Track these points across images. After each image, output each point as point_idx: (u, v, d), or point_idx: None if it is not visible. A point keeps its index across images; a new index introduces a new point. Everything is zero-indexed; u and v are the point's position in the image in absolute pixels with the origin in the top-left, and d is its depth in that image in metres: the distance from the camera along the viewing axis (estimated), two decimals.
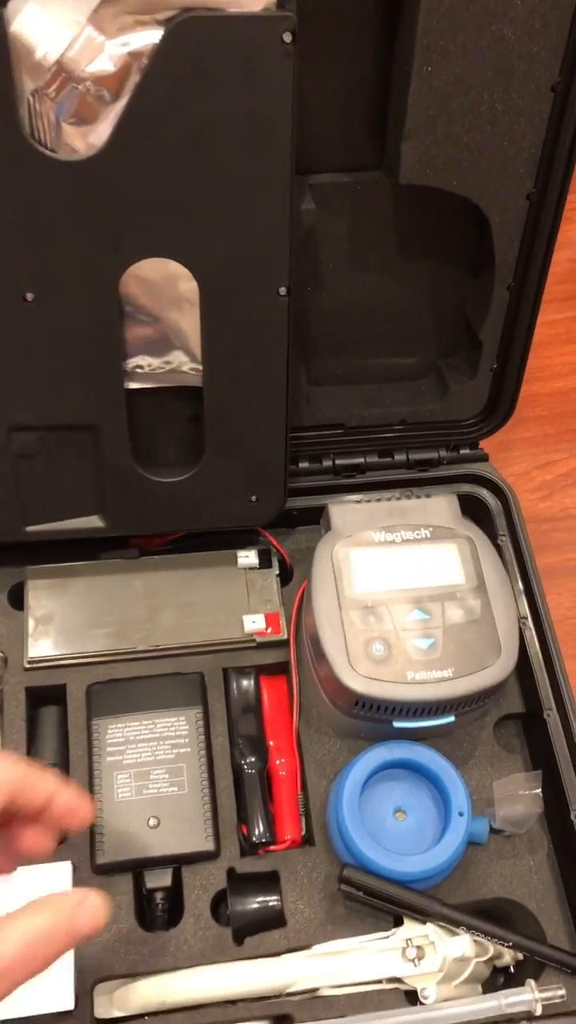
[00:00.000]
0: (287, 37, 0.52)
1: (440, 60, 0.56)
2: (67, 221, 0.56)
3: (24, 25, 0.51)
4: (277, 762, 0.68)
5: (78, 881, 0.62)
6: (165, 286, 0.60)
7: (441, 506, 0.69)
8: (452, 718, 0.64)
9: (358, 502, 0.70)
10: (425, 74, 0.56)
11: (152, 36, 0.52)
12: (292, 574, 0.75)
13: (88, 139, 0.55)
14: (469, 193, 0.62)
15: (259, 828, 0.64)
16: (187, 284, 0.60)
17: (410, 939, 0.60)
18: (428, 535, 0.68)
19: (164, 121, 0.54)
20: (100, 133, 0.54)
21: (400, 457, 0.76)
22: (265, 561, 0.74)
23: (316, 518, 0.75)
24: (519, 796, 0.63)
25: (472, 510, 0.77)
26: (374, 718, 0.64)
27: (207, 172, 0.56)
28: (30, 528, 0.68)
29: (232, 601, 0.72)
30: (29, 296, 0.59)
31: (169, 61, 0.52)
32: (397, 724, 0.64)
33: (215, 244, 0.58)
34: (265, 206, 0.58)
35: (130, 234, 0.57)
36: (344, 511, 0.69)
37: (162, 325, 0.62)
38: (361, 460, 0.75)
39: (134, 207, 0.56)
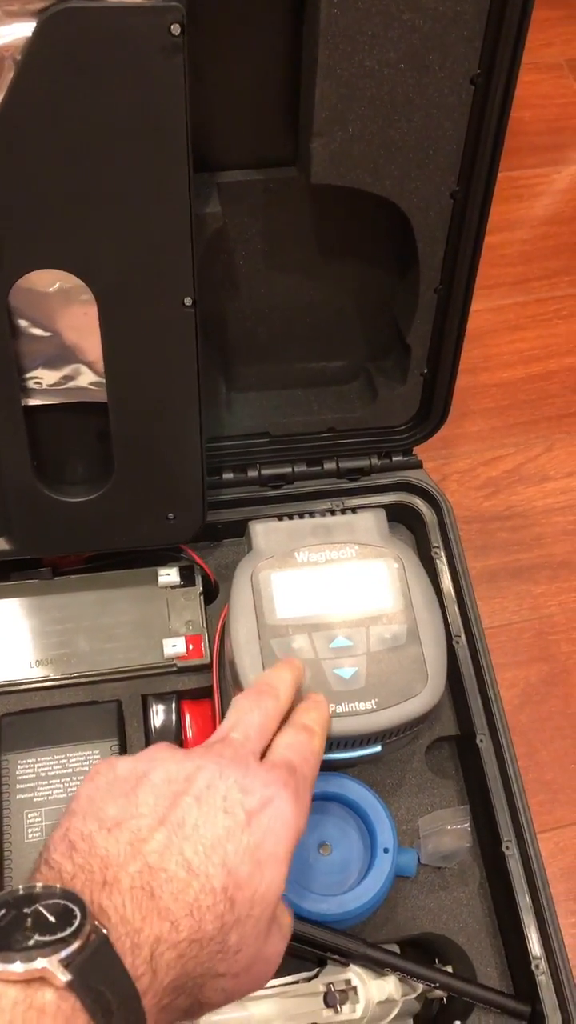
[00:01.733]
0: (175, 29, 0.47)
1: (347, 52, 0.51)
2: None
3: None
4: None
5: None
6: (59, 298, 0.56)
7: (368, 522, 0.66)
8: (378, 748, 0.61)
9: (280, 519, 0.66)
10: (332, 67, 0.52)
11: (24, 29, 0.47)
12: (217, 591, 0.72)
13: None
14: (387, 193, 0.58)
15: None
16: (83, 296, 0.56)
17: (332, 983, 0.57)
18: (354, 554, 0.64)
19: (43, 122, 0.49)
20: None
21: (330, 466, 0.72)
22: (188, 578, 0.71)
23: (242, 531, 0.71)
24: (447, 831, 0.60)
25: (405, 519, 0.74)
26: None
27: (95, 176, 0.51)
28: None
29: (152, 623, 0.69)
30: None
31: (44, 56, 0.47)
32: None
33: (109, 253, 0.54)
34: (162, 211, 0.53)
35: (14, 245, 0.53)
36: (266, 530, 0.65)
37: (59, 339, 0.58)
38: (288, 470, 0.72)
39: (16, 216, 0.52)
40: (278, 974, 0.58)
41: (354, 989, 0.57)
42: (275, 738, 0.47)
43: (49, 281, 0.55)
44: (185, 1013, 0.39)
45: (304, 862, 0.60)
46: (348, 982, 0.57)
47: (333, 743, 0.59)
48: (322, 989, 0.57)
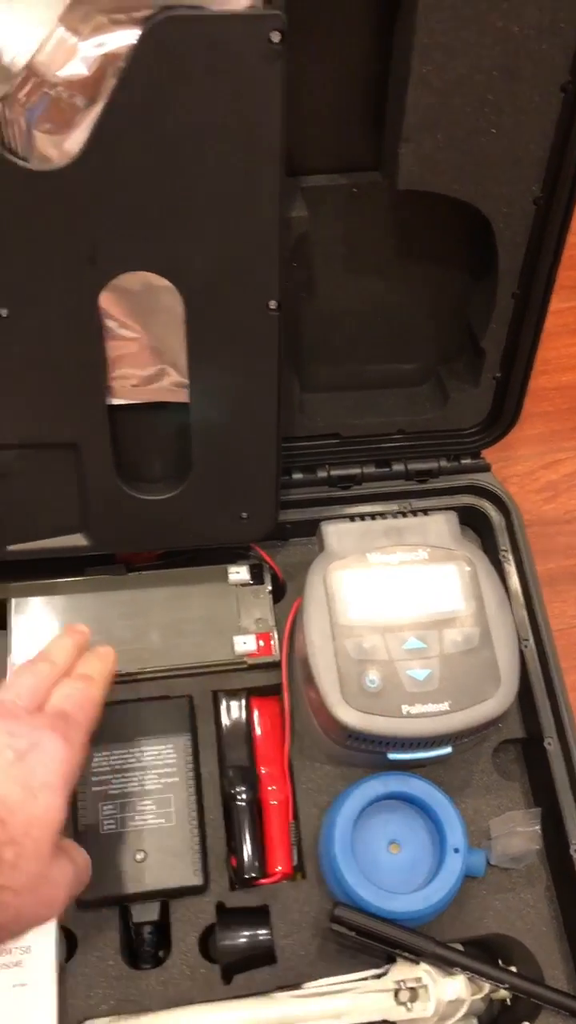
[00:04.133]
0: (275, 37, 0.48)
1: (441, 59, 0.52)
2: (42, 233, 0.53)
3: None
4: (268, 789, 0.66)
5: (61, 916, 0.60)
6: (147, 300, 0.57)
7: (440, 525, 0.66)
8: (449, 750, 0.61)
9: (352, 520, 0.67)
10: (424, 73, 0.52)
11: (128, 36, 0.48)
12: (285, 590, 0.72)
13: (62, 147, 0.51)
14: (472, 198, 0.58)
15: (249, 860, 0.62)
16: (171, 297, 0.57)
17: (403, 981, 0.58)
18: (426, 556, 0.65)
19: (142, 127, 0.50)
20: (75, 140, 0.51)
21: (398, 467, 0.73)
22: (257, 577, 0.71)
23: (310, 531, 0.72)
24: (517, 833, 0.61)
25: (473, 522, 0.75)
26: (367, 750, 0.61)
27: (190, 180, 0.52)
28: (11, 547, 0.66)
29: (222, 619, 0.70)
30: (3, 312, 0.55)
31: (147, 63, 0.48)
32: (391, 756, 0.61)
33: (200, 256, 0.55)
34: (253, 215, 0.54)
35: (109, 246, 0.54)
36: (338, 531, 0.66)
37: (146, 340, 0.59)
38: (358, 471, 0.72)
39: (113, 218, 0.53)
40: (348, 970, 0.59)
41: (425, 987, 0.57)
42: (53, 689, 0.54)
43: (137, 282, 0.56)
44: None
45: (374, 860, 0.60)
46: (419, 980, 0.58)
47: (405, 743, 0.60)
48: (393, 986, 0.58)
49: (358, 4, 0.53)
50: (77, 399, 0.60)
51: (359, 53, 0.56)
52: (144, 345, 0.59)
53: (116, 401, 0.61)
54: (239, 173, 0.52)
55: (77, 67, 0.48)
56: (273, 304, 0.57)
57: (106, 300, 0.56)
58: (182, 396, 0.61)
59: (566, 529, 0.92)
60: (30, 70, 0.48)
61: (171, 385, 0.61)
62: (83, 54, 0.48)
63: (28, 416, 0.60)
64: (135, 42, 0.48)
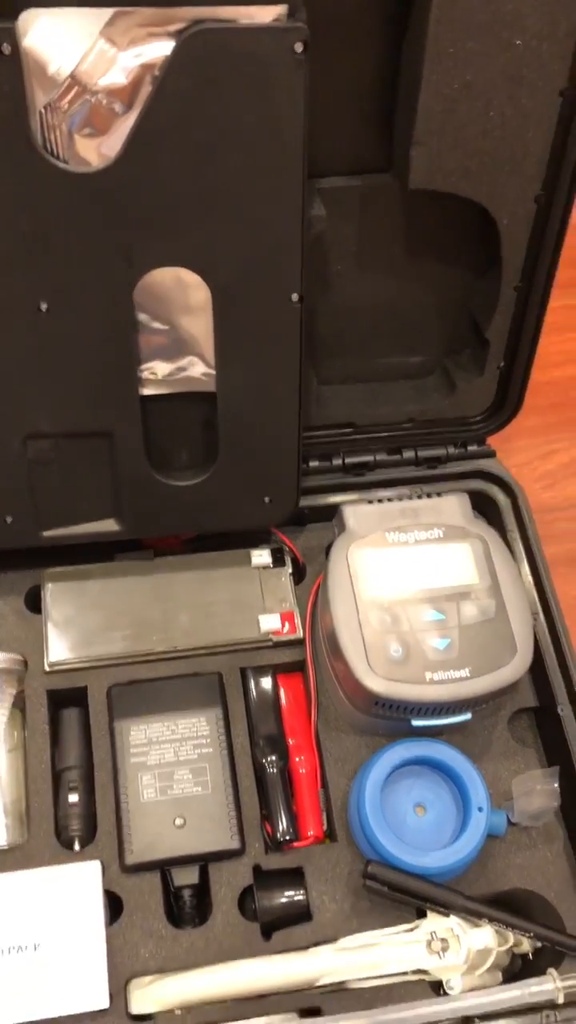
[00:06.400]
0: (298, 48, 0.52)
1: (450, 67, 0.56)
2: (80, 232, 0.57)
3: (37, 39, 0.51)
4: (297, 759, 0.69)
5: (106, 880, 0.63)
6: (178, 294, 0.61)
7: (453, 505, 0.70)
8: (469, 715, 0.65)
9: (371, 503, 0.71)
10: (434, 81, 0.56)
11: (164, 48, 0.52)
12: (305, 572, 0.76)
13: (101, 150, 0.55)
14: (478, 196, 0.63)
15: (283, 825, 0.65)
16: (200, 292, 0.60)
17: (435, 932, 0.61)
18: (441, 535, 0.68)
19: (176, 131, 0.54)
20: (112, 144, 0.55)
21: (408, 454, 0.77)
22: (278, 560, 0.75)
23: (326, 516, 0.75)
24: (536, 791, 0.64)
25: (480, 506, 0.78)
26: (392, 717, 0.65)
27: (220, 181, 0.56)
28: (46, 533, 0.69)
29: (247, 600, 0.73)
30: (43, 306, 0.59)
31: (181, 72, 0.52)
32: (415, 723, 0.65)
33: (228, 252, 0.59)
34: (278, 214, 0.58)
35: (143, 244, 0.58)
36: (357, 512, 0.70)
37: (176, 332, 0.63)
38: (370, 458, 0.76)
39: (147, 217, 0.57)
40: (380, 926, 0.62)
41: (456, 937, 0.61)
42: None
43: (169, 277, 0.60)
44: None
45: (401, 822, 0.64)
46: (450, 930, 0.61)
47: (428, 709, 0.64)
48: (425, 937, 0.61)
49: (371, 20, 0.57)
50: (112, 389, 0.63)
51: (371, 64, 0.60)
52: (174, 338, 0.63)
53: (148, 391, 0.65)
54: (265, 174, 0.56)
55: (116, 76, 0.53)
56: (295, 297, 0.61)
57: (139, 295, 0.60)
58: (209, 386, 0.65)
59: (564, 515, 0.97)
60: (73, 79, 0.52)
61: (199, 375, 0.65)
62: (122, 64, 0.52)
63: (66, 406, 0.63)
64: (170, 53, 0.52)
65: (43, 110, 0.53)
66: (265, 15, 0.52)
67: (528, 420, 1.03)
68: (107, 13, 0.51)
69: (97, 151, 0.55)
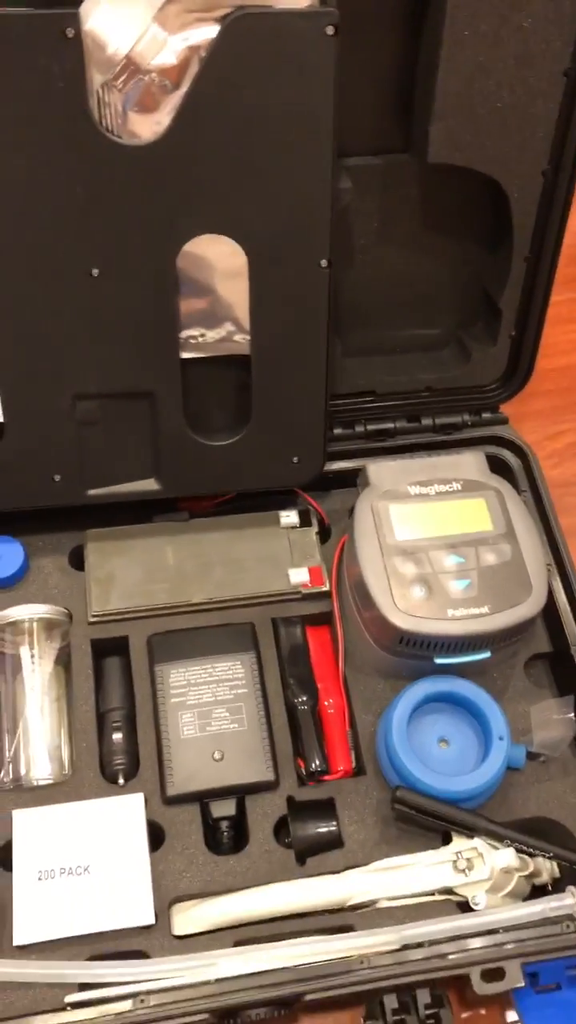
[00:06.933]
0: (330, 30, 0.58)
1: (466, 48, 0.62)
2: (131, 201, 0.62)
3: (97, 23, 0.57)
4: (326, 702, 0.73)
5: (149, 811, 0.67)
6: (217, 260, 0.66)
7: (470, 462, 0.75)
8: (488, 653, 0.69)
9: (393, 459, 0.75)
10: (452, 61, 0.62)
11: (210, 32, 0.58)
12: (330, 532, 0.81)
13: (151, 126, 0.60)
14: (490, 170, 0.68)
15: (315, 759, 0.69)
16: (237, 259, 0.66)
17: (460, 852, 0.65)
18: (459, 488, 0.73)
19: (219, 108, 0.60)
20: (162, 120, 0.60)
21: (427, 422, 0.82)
22: (305, 520, 0.80)
23: (349, 481, 0.80)
24: (554, 721, 0.68)
25: (495, 469, 0.83)
26: (416, 655, 0.69)
27: (257, 154, 0.62)
28: (91, 492, 0.74)
29: (276, 557, 0.78)
30: (95, 271, 0.64)
31: (224, 53, 0.58)
32: (438, 660, 0.69)
33: (264, 220, 0.64)
34: (309, 185, 0.63)
35: (187, 212, 0.63)
36: (381, 468, 0.75)
37: (214, 298, 0.68)
38: (391, 425, 0.81)
39: (192, 187, 0.62)
40: (408, 851, 0.66)
41: (480, 856, 0.65)
42: None
43: (208, 245, 0.65)
44: None
45: (427, 754, 0.68)
46: (475, 850, 0.65)
47: (450, 644, 0.68)
48: (451, 857, 0.65)
49: (391, 8, 0.63)
50: (154, 352, 0.68)
51: (390, 50, 0.66)
52: (212, 302, 0.68)
53: (187, 355, 0.70)
54: (298, 146, 0.62)
55: (167, 57, 0.58)
56: (324, 262, 0.67)
57: (181, 261, 0.65)
58: (244, 349, 0.70)
59: (572, 490, 1.01)
60: (128, 60, 0.58)
61: (234, 339, 0.70)
62: (172, 46, 0.58)
63: (112, 367, 0.68)
64: (215, 36, 0.58)
65: (100, 89, 0.59)
66: (301, 1, 0.58)
67: (536, 403, 1.08)
68: (160, 0, 0.57)
69: (148, 126, 0.60)
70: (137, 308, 0.66)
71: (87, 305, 0.65)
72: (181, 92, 0.59)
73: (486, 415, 0.82)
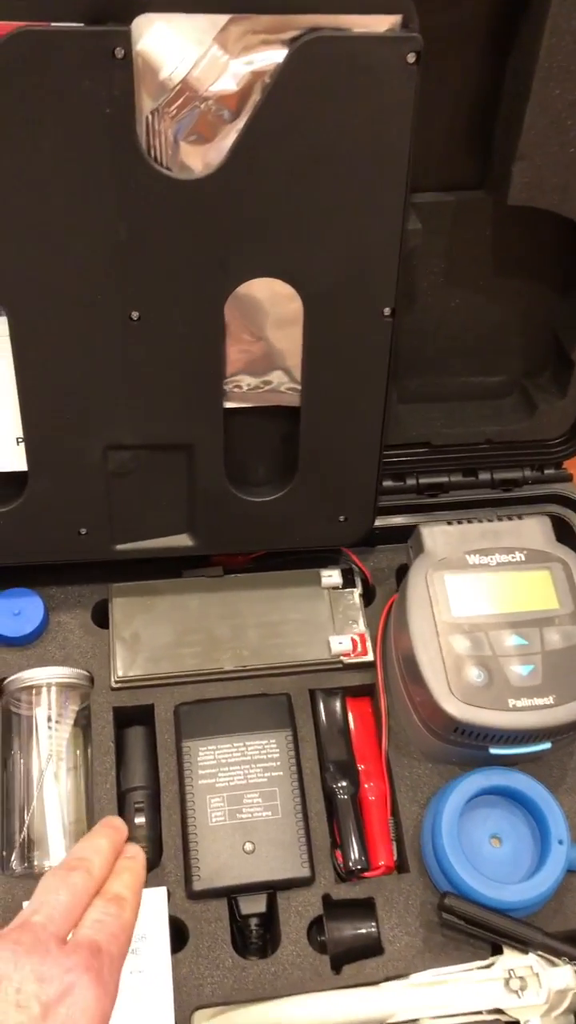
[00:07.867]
0: (411, 58, 0.51)
1: (560, 82, 0.55)
2: (178, 240, 0.56)
3: (150, 43, 0.50)
4: (366, 786, 0.67)
5: (172, 907, 0.61)
6: (270, 305, 0.60)
7: (534, 528, 0.69)
8: (549, 744, 0.63)
9: (449, 523, 0.69)
10: (543, 95, 0.56)
11: (276, 55, 0.51)
12: (374, 594, 0.75)
13: (205, 158, 0.54)
14: (573, 214, 0.61)
15: (355, 854, 0.63)
16: (292, 304, 0.59)
17: (513, 969, 0.59)
18: (523, 559, 0.67)
19: (283, 140, 0.53)
20: (217, 152, 0.54)
21: (484, 476, 0.75)
22: (348, 580, 0.74)
23: (397, 537, 0.74)
24: None
25: (556, 531, 0.77)
26: (471, 744, 0.63)
27: (322, 192, 0.55)
28: (119, 546, 0.68)
29: (316, 621, 0.72)
30: (135, 315, 0.58)
31: (292, 80, 0.51)
32: (493, 750, 0.63)
33: (324, 264, 0.58)
34: (377, 226, 0.57)
35: (240, 254, 0.57)
36: (436, 533, 0.68)
37: (264, 345, 0.62)
38: (445, 479, 0.75)
39: (246, 226, 0.56)
40: (453, 961, 0.60)
41: (536, 976, 0.59)
42: (84, 913, 0.45)
43: (261, 288, 0.59)
44: None
45: (477, 853, 0.62)
46: (529, 968, 0.59)
47: (509, 737, 0.62)
48: (503, 975, 0.59)
49: (475, 34, 0.56)
50: (196, 402, 0.62)
51: (471, 78, 0.59)
52: (261, 349, 0.62)
53: (231, 405, 0.64)
54: (368, 185, 0.55)
55: (227, 83, 0.52)
56: (388, 311, 0.60)
57: (230, 305, 0.59)
58: (293, 400, 0.64)
59: None
60: (184, 85, 0.51)
61: (283, 389, 0.64)
62: (233, 71, 0.52)
63: (151, 417, 0.62)
64: (282, 60, 0.51)
65: (149, 115, 0.53)
66: (380, 24, 0.51)
67: None
68: (221, 20, 0.50)
69: (201, 158, 0.54)
70: (179, 355, 0.60)
71: (124, 351, 0.59)
72: (241, 122, 0.53)
73: (549, 471, 0.76)
